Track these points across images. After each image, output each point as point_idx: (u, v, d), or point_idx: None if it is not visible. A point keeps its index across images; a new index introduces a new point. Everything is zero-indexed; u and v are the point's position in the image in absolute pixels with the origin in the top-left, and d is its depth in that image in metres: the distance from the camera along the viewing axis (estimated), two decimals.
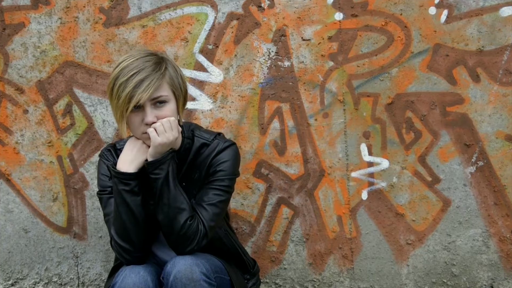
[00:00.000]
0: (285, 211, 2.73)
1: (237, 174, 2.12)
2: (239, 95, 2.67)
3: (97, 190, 2.11)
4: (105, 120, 2.72)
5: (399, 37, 2.59)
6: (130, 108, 1.84)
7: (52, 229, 2.82)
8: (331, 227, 2.71)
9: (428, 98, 2.61)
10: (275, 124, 2.68)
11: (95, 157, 2.72)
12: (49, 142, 2.75)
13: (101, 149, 2.21)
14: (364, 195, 2.69)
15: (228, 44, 2.65)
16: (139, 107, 1.87)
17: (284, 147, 2.69)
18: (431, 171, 2.65)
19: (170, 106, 1.92)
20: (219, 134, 2.15)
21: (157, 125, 1.87)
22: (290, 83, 2.66)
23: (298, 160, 2.69)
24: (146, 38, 2.66)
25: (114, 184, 1.93)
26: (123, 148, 2.08)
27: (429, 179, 2.66)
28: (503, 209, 2.62)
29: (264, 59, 2.65)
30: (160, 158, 1.89)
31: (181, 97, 1.98)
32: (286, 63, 2.65)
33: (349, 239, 2.71)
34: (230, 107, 2.68)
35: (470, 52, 2.56)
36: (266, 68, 2.66)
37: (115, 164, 1.97)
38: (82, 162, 2.74)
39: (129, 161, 1.93)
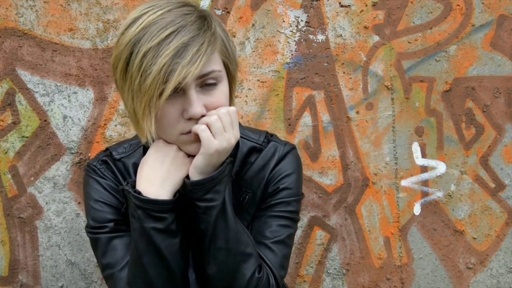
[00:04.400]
0: (319, 234, 2.06)
1: (302, 193, 1.41)
2: (258, 80, 1.96)
3: (88, 225, 1.30)
4: (67, 116, 1.87)
5: (458, 5, 2.04)
6: (167, 92, 1.06)
7: None
8: (376, 252, 2.08)
9: (491, 83, 2.09)
10: (306, 118, 2.00)
11: (52, 171, 1.88)
12: None
13: (88, 161, 1.38)
14: (417, 209, 2.10)
15: (243, 10, 1.93)
16: (177, 92, 1.10)
17: (318, 149, 2.01)
18: (495, 175, 2.13)
19: (223, 89, 1.19)
20: (268, 133, 1.43)
21: (212, 119, 1.13)
22: (325, 64, 1.99)
23: (336, 166, 2.02)
24: None
25: (136, 220, 1.15)
26: (124, 158, 1.36)
27: (492, 185, 2.13)
28: None
29: (291, 31, 1.96)
30: (215, 174, 1.15)
31: (236, 72, 1.24)
32: (320, 37, 1.98)
33: (399, 266, 2.10)
34: (246, 96, 1.97)
35: None
36: (294, 43, 1.97)
37: (131, 184, 1.18)
38: (32, 178, 1.88)
39: (159, 180, 1.17)
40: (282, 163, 1.37)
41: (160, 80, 1.06)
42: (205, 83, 1.15)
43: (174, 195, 1.18)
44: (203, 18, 1.15)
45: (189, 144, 1.17)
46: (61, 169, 1.87)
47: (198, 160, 1.15)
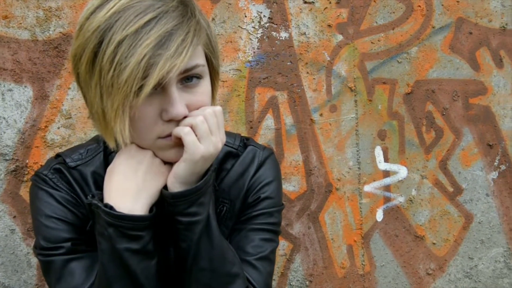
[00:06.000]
0: (281, 244, 1.93)
1: (283, 203, 1.28)
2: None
3: (38, 245, 1.09)
4: (1, 117, 1.62)
5: (419, 6, 2.00)
6: (147, 88, 0.88)
7: None
8: (339, 261, 1.99)
9: (450, 86, 2.07)
10: (269, 121, 1.87)
11: None
12: None
13: (37, 170, 1.16)
14: (379, 216, 2.04)
15: (203, 2, 1.77)
16: (155, 89, 0.93)
17: (281, 153, 1.89)
18: (453, 179, 2.11)
19: (206, 86, 1.02)
20: (242, 136, 1.29)
21: (197, 121, 0.96)
22: (289, 63, 1.87)
23: (299, 171, 1.91)
24: None
25: (105, 240, 0.96)
26: (81, 166, 1.14)
27: (451, 189, 2.12)
28: None
29: (253, 27, 1.82)
30: (201, 184, 0.98)
31: (219, 67, 1.08)
32: (283, 34, 1.86)
33: (362, 275, 2.02)
34: None
35: (494, 30, 2.11)
36: (256, 40, 1.83)
37: (98, 197, 0.99)
38: None
39: (133, 192, 0.98)
40: (261, 169, 1.22)
41: (139, 74, 0.88)
42: (187, 79, 0.98)
43: (150, 209, 1.00)
44: (184, 4, 0.98)
45: (168, 149, 0.99)
46: None
47: (180, 168, 0.97)
